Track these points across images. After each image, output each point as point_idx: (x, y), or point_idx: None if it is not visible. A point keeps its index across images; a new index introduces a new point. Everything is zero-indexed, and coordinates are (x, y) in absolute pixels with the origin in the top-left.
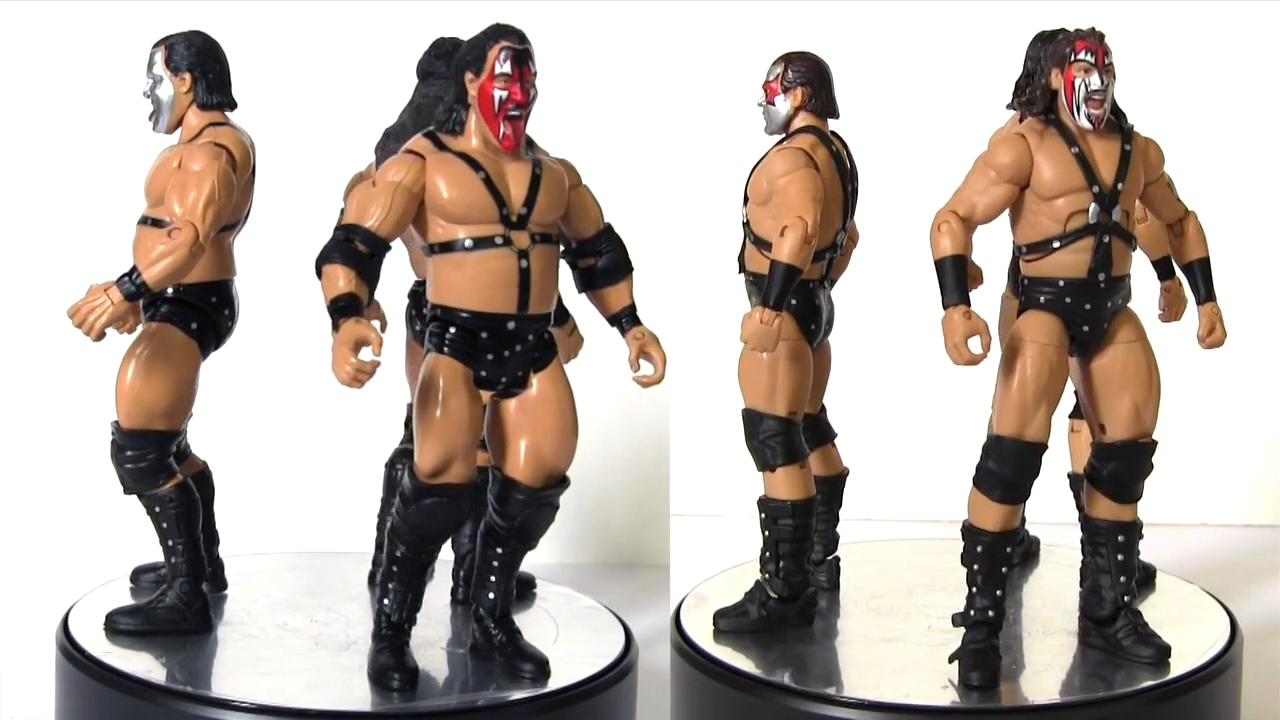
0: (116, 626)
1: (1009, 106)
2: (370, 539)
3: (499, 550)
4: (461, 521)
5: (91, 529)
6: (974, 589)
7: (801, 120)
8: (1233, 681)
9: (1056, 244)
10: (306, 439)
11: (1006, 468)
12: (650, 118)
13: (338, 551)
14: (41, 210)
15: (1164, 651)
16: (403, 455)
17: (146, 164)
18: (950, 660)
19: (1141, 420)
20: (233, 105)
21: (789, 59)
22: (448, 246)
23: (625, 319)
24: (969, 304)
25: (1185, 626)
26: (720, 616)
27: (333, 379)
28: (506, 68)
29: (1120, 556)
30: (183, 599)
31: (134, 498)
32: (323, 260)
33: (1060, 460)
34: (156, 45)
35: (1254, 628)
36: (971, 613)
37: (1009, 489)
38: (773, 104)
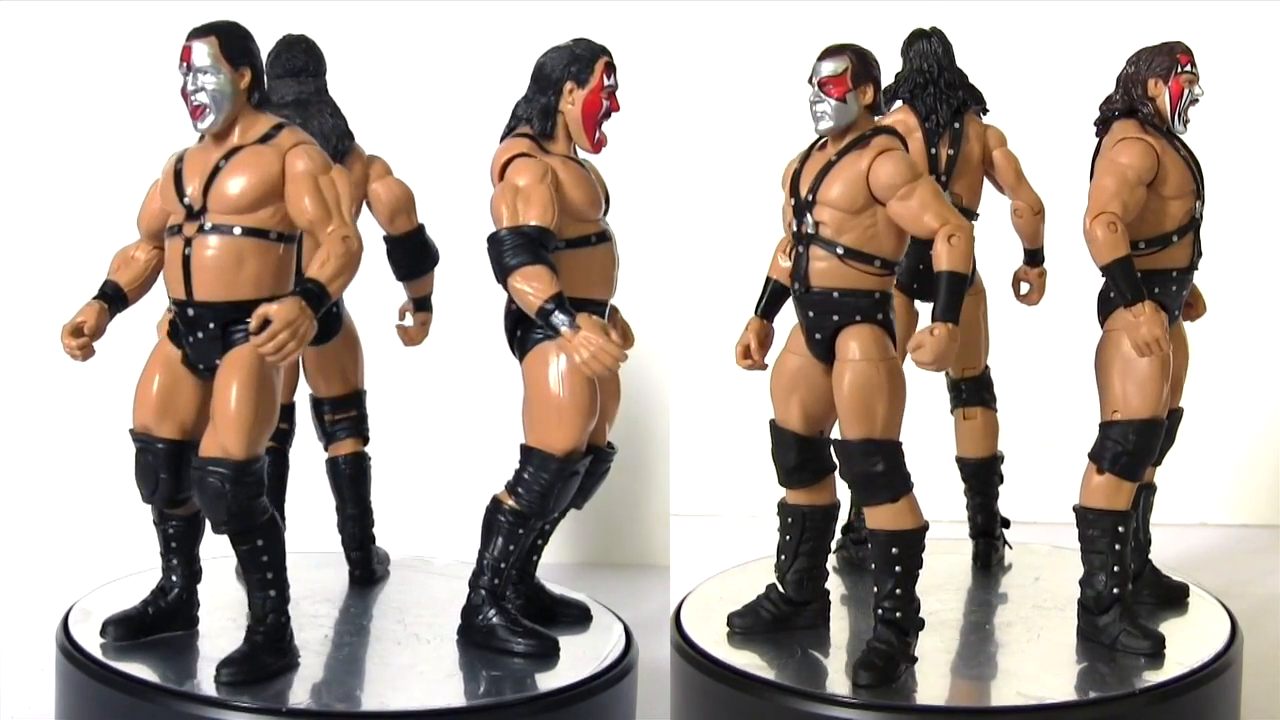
0: (229, 679)
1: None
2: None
3: (554, 516)
4: None
5: (91, 529)
6: (1115, 569)
7: (869, 120)
8: (1233, 681)
9: (1176, 238)
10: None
11: (1150, 447)
12: (647, 118)
13: (335, 551)
14: (39, 215)
15: (1182, 590)
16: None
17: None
18: (1111, 645)
19: (1181, 391)
20: (268, 102)
21: (856, 52)
22: (574, 243)
23: None
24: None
25: (1185, 626)
26: (863, 669)
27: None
28: (612, 81)
29: (1148, 516)
30: (285, 632)
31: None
32: (513, 265)
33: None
34: (200, 35)
35: (1254, 628)
36: (1115, 590)
37: (1143, 467)
38: (843, 100)
